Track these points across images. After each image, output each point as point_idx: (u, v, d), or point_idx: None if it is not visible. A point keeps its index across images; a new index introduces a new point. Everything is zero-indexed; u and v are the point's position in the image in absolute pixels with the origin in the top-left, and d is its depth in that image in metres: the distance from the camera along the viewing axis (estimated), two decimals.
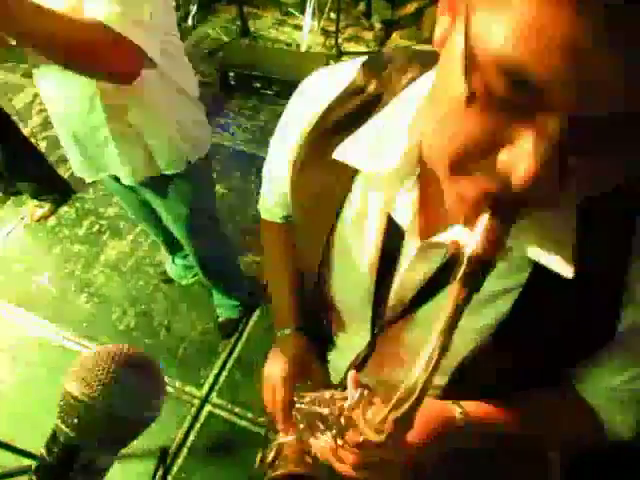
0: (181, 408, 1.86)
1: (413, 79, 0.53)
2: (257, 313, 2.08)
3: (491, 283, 0.48)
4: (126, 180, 1.32)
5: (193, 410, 1.85)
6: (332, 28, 3.16)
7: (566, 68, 0.27)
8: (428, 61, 0.52)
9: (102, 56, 0.96)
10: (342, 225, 0.57)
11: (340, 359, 0.74)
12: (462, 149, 0.34)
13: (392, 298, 0.56)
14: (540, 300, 0.48)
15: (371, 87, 0.55)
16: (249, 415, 1.83)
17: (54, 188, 2.39)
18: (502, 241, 0.36)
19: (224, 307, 2.02)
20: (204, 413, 1.85)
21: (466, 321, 0.36)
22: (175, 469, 1.73)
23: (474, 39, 0.30)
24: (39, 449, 0.44)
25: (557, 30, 0.26)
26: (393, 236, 0.53)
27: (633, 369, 0.52)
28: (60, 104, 1.23)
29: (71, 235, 2.34)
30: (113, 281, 2.19)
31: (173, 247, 1.97)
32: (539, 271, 0.45)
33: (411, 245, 0.51)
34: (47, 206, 2.38)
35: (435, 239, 0.47)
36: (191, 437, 1.79)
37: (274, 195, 0.75)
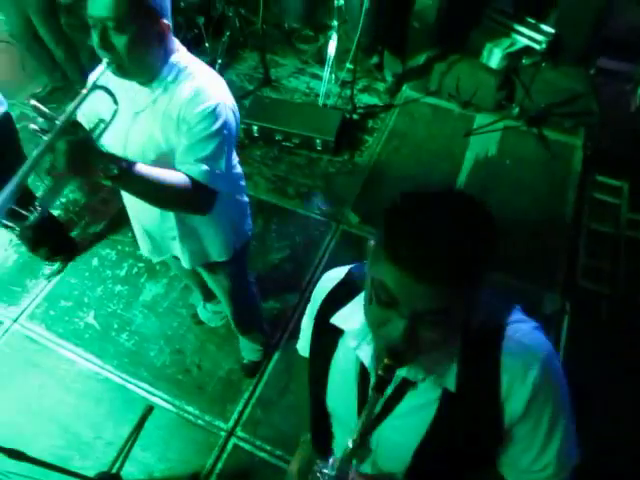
0: (209, 439, 2.16)
1: None
2: (276, 357, 2.38)
3: (417, 396, 0.80)
4: (185, 264, 1.63)
5: (220, 441, 2.16)
6: (347, 76, 3.45)
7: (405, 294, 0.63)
8: None
9: (191, 204, 1.27)
10: (334, 364, 0.91)
11: (342, 439, 1.05)
12: (370, 322, 0.73)
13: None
14: (452, 409, 0.78)
15: (357, 283, 0.89)
16: (267, 448, 2.14)
17: (65, 249, 2.67)
18: (394, 369, 0.72)
19: (248, 350, 2.32)
20: (230, 445, 2.16)
21: (409, 422, 0.76)
22: None
23: (373, 270, 0.68)
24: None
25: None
26: (365, 371, 0.86)
27: (530, 454, 0.78)
28: (137, 207, 1.53)
29: (113, 276, 2.64)
30: (150, 321, 2.50)
31: (208, 296, 2.27)
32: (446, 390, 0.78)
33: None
34: (56, 265, 2.65)
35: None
36: (219, 465, 2.10)
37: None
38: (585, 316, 2.50)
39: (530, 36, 3.16)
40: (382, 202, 2.86)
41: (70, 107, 1.10)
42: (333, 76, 3.46)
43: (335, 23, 3.17)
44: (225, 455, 2.13)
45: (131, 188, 1.21)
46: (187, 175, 1.23)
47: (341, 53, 3.38)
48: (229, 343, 2.41)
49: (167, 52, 1.25)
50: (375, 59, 3.61)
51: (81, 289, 2.59)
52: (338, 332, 0.88)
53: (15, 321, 2.47)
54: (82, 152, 1.07)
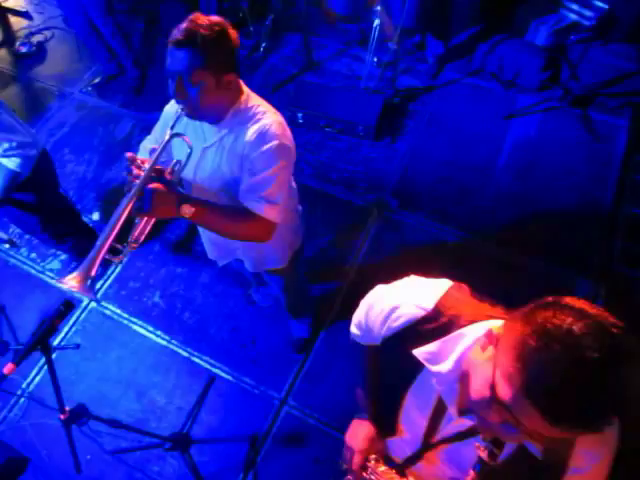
0: (265, 406, 2.45)
1: (471, 322, 0.95)
2: (322, 335, 2.62)
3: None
4: (248, 268, 1.85)
5: (274, 409, 2.44)
6: (388, 57, 3.47)
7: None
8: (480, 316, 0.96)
9: (253, 234, 1.46)
10: (412, 387, 1.06)
11: (394, 447, 1.24)
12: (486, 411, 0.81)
13: (436, 436, 1.05)
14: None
15: (442, 319, 0.97)
16: (315, 415, 2.41)
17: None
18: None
19: (297, 329, 2.57)
20: (282, 411, 2.44)
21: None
22: (262, 453, 2.34)
23: (496, 384, 0.76)
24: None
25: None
26: (441, 404, 1.01)
27: None
28: None
29: (174, 259, 2.92)
30: (209, 300, 2.77)
31: (260, 281, 2.51)
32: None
33: (450, 411, 1.00)
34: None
35: (465, 418, 0.96)
36: (274, 429, 2.40)
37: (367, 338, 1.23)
38: (620, 301, 2.59)
39: (579, 12, 3.09)
40: (422, 186, 3.04)
41: (154, 155, 1.28)
42: (375, 58, 3.51)
43: (378, 7, 3.19)
44: (279, 421, 2.42)
45: (203, 224, 1.41)
46: (250, 210, 1.41)
47: (382, 32, 3.39)
48: (279, 321, 2.66)
49: (233, 97, 1.41)
50: (417, 39, 3.61)
51: (147, 271, 2.89)
52: (419, 363, 0.94)
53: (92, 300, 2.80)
54: (166, 197, 1.25)
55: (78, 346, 2.46)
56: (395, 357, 1.04)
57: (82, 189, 3.25)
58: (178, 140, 1.40)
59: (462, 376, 0.91)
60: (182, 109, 1.33)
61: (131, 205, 1.22)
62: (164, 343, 2.65)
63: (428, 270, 1.16)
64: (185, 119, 1.42)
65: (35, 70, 3.95)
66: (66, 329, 2.69)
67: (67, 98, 3.77)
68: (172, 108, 1.55)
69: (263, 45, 3.79)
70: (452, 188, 3.05)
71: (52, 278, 2.88)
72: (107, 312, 2.75)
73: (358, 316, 1.26)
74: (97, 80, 3.79)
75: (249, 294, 2.74)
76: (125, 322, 2.72)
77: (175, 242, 2.99)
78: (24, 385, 2.53)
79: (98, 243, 1.18)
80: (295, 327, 2.56)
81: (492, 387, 0.76)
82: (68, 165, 3.37)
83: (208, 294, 2.79)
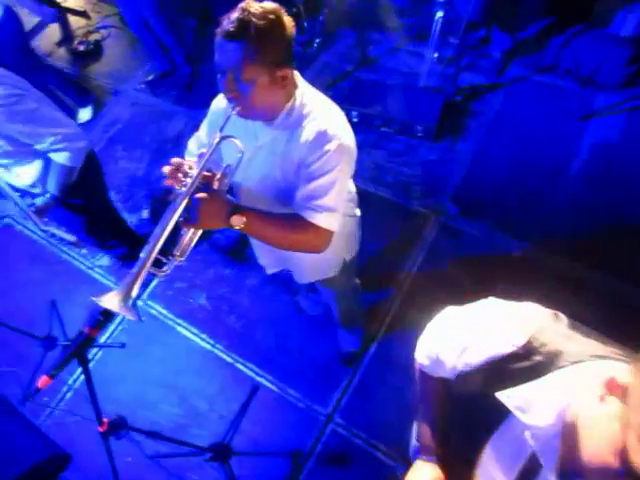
0: (309, 421, 2.32)
1: (574, 362, 0.76)
2: (373, 349, 2.46)
3: None
4: (297, 279, 1.72)
5: (319, 425, 2.31)
6: (449, 53, 3.26)
7: None
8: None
9: (309, 245, 1.31)
10: (494, 437, 0.88)
11: None
12: None
13: None
14: None
15: (537, 357, 0.79)
16: (363, 436, 2.25)
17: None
18: None
19: (347, 340, 2.42)
20: (328, 429, 2.30)
21: None
22: (305, 472, 2.22)
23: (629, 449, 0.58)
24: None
25: None
26: (533, 464, 0.83)
27: None
28: None
29: (221, 260, 2.84)
30: (256, 305, 2.67)
31: (309, 289, 2.38)
32: None
33: (547, 476, 0.82)
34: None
35: None
36: (318, 447, 2.26)
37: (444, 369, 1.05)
38: None
39: None
40: (485, 192, 2.76)
41: (202, 161, 1.15)
42: (435, 54, 3.30)
43: None
44: (324, 439, 2.28)
45: (254, 235, 1.28)
46: (305, 219, 1.27)
47: (443, 26, 3.18)
48: (328, 331, 2.51)
49: (288, 93, 1.26)
50: (481, 33, 3.37)
51: (194, 271, 2.82)
52: (504, 408, 0.79)
53: (139, 298, 2.77)
54: (215, 207, 1.13)
55: (124, 345, 2.43)
56: (473, 398, 0.88)
57: (133, 186, 3.24)
58: (227, 141, 1.27)
59: (566, 432, 0.73)
60: (233, 107, 1.20)
61: (177, 216, 1.10)
62: (208, 347, 2.57)
63: (489, 285, 1.00)
64: (235, 116, 1.29)
65: (91, 68, 4.00)
66: (112, 327, 2.67)
67: (121, 95, 3.79)
68: (221, 103, 1.42)
69: (317, 41, 3.66)
70: (518, 195, 2.80)
71: (102, 275, 2.88)
72: (153, 312, 2.71)
73: (426, 343, 1.09)
74: (151, 77, 3.79)
75: (297, 300, 2.62)
76: (170, 323, 2.67)
77: (224, 243, 2.91)
78: (70, 381, 2.52)
79: (141, 259, 1.07)
80: (345, 338, 2.41)
81: (622, 453, 0.59)
82: (120, 162, 3.37)
83: (255, 298, 2.69)
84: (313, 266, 1.66)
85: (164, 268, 1.18)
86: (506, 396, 0.78)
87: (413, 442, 1.26)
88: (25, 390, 2.37)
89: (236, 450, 2.22)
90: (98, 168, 2.21)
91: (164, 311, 2.70)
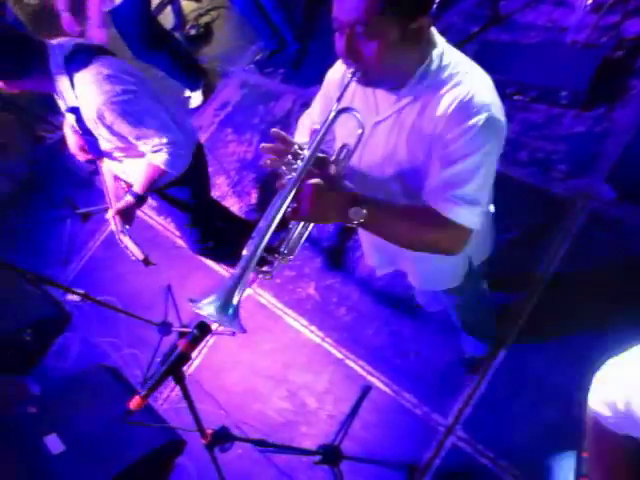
0: (427, 432, 2.09)
1: None
2: (502, 355, 2.12)
3: None
4: (413, 283, 1.46)
5: (439, 437, 2.06)
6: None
7: None
8: None
9: (442, 245, 1.05)
10: None
11: None
12: None
13: None
14: None
15: None
16: (490, 455, 1.96)
17: None
18: None
19: (471, 344, 2.12)
20: (448, 442, 2.05)
21: None
22: None
23: None
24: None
25: None
26: None
27: None
28: None
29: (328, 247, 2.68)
30: (366, 297, 2.47)
31: None
32: None
33: None
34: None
35: None
36: (436, 462, 2.02)
37: None
38: None
39: None
40: None
41: (316, 139, 0.94)
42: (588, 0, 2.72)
43: None
44: (443, 453, 2.03)
45: (375, 231, 1.04)
46: (440, 212, 1.01)
47: None
48: (449, 332, 2.23)
49: (423, 52, 1.00)
50: None
51: (302, 259, 2.70)
52: None
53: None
54: (330, 197, 0.92)
55: (234, 333, 2.40)
56: None
57: (242, 170, 3.19)
58: (343, 116, 1.02)
59: None
60: (352, 73, 0.97)
61: (285, 206, 0.91)
62: (317, 340, 2.43)
63: None
64: (352, 85, 1.03)
65: (202, 51, 4.02)
66: None
67: (231, 77, 3.76)
68: (337, 74, 1.19)
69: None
70: None
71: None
72: (262, 300, 2.64)
73: (608, 385, 0.81)
74: (259, 57, 3.69)
75: (413, 294, 2.36)
76: (279, 312, 2.58)
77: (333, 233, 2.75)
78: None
79: (244, 258, 0.90)
80: (469, 341, 2.11)
81: None
82: (230, 145, 3.35)
83: (366, 290, 2.49)
84: (432, 272, 1.39)
85: (269, 268, 1.01)
86: None
87: None
88: (144, 372, 2.46)
89: (346, 454, 2.07)
90: (204, 163, 2.13)
91: (273, 300, 2.63)
